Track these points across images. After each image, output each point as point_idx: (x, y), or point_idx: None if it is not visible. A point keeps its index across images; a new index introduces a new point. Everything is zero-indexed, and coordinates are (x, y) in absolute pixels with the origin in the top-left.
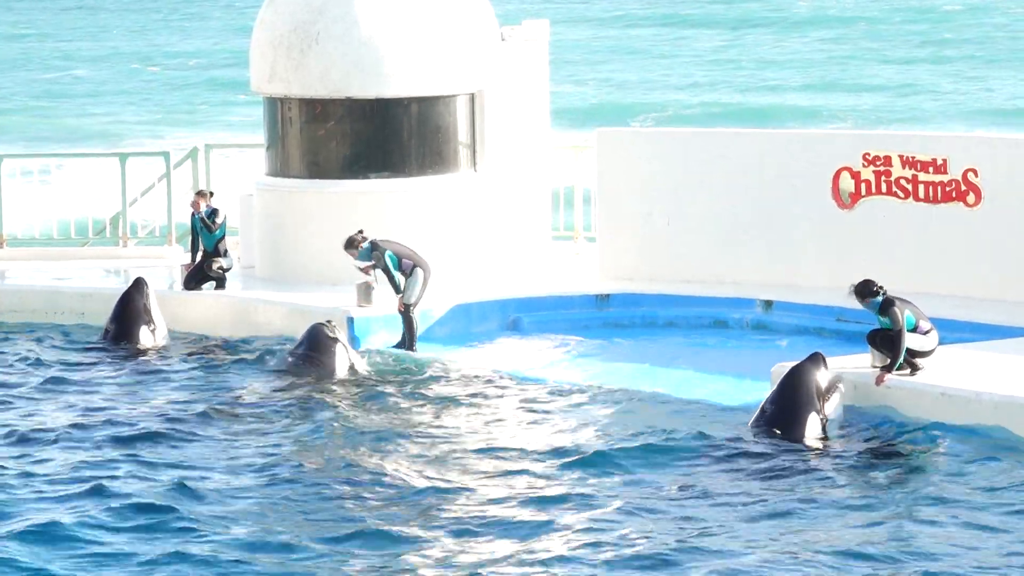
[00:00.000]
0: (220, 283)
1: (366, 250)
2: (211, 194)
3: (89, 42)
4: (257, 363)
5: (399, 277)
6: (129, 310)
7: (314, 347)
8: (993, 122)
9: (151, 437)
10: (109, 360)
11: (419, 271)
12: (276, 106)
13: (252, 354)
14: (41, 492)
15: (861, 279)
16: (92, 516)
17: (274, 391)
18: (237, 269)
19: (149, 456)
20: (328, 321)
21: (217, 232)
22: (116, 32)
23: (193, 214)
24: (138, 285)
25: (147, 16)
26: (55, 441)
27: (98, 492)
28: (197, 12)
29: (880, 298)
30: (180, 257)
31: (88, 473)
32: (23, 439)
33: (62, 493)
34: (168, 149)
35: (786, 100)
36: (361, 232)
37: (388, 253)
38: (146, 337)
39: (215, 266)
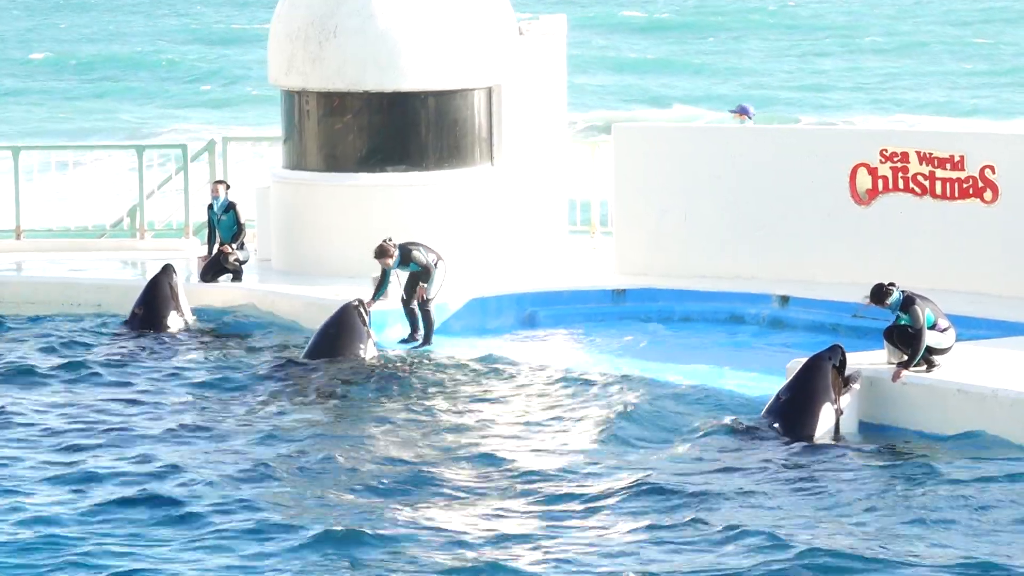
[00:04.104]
0: (237, 275)
1: (398, 259)
2: (227, 187)
3: None
4: (280, 352)
5: (402, 280)
6: (158, 295)
7: (343, 327)
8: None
9: (180, 424)
10: (140, 345)
11: (442, 264)
12: (293, 99)
13: (274, 343)
14: (77, 478)
15: (873, 286)
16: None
17: (295, 377)
18: (254, 262)
19: (172, 443)
20: (360, 302)
21: (225, 220)
22: None
23: (210, 205)
24: (166, 271)
25: None
26: (95, 429)
27: (129, 483)
28: None
29: (899, 295)
30: (197, 249)
31: (115, 462)
32: (56, 429)
33: (93, 479)
34: (185, 142)
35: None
36: (390, 239)
37: (412, 265)
38: (175, 322)
39: (232, 258)
